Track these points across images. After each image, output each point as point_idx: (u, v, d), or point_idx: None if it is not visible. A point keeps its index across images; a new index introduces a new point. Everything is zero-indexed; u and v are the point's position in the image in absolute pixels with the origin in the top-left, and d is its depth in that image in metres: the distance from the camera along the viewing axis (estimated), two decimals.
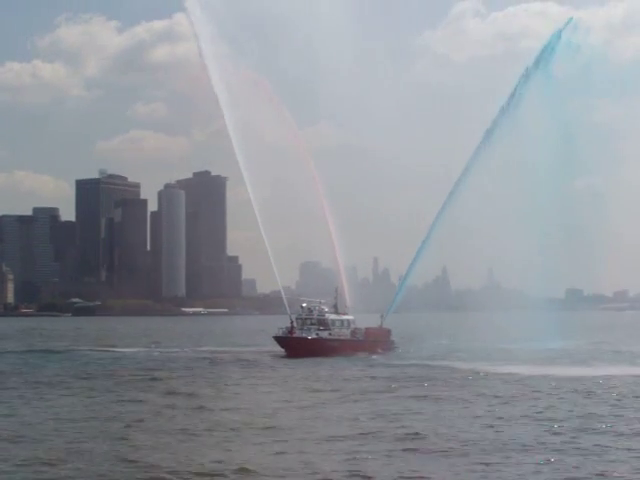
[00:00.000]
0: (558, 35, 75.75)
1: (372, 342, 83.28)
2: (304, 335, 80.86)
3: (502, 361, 66.44)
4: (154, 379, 56.23)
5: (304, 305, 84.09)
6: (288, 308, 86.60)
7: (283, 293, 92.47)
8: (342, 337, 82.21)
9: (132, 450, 30.74)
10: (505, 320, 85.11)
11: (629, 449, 30.58)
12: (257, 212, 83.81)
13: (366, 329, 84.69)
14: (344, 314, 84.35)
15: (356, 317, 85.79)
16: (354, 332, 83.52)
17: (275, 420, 37.55)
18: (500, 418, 37.79)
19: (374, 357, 76.88)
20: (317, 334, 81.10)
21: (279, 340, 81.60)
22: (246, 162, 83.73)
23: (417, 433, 33.61)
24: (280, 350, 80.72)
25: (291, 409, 41.66)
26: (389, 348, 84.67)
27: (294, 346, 79.65)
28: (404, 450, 30.36)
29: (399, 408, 41.24)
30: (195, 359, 75.10)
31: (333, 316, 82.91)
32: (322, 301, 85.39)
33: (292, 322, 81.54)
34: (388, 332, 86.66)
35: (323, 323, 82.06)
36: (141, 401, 44.84)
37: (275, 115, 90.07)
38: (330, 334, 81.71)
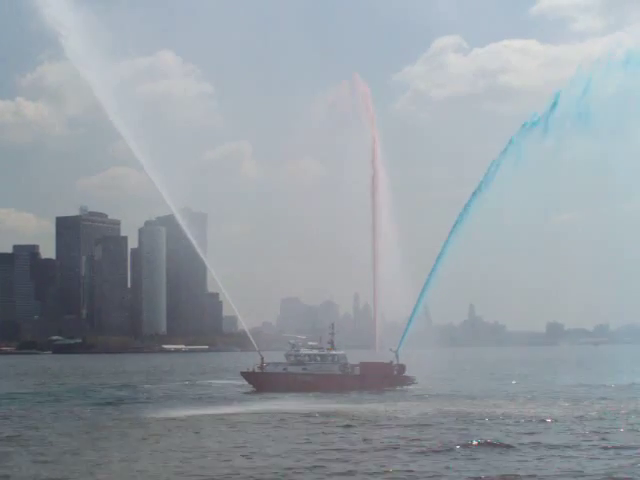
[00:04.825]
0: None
1: (367, 377, 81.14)
2: (271, 370, 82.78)
3: None
4: None
5: (291, 342, 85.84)
6: (256, 345, 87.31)
7: (249, 333, 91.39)
8: (322, 372, 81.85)
9: None
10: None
11: None
12: (199, 250, 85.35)
13: (361, 364, 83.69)
14: (333, 349, 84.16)
15: (382, 354, 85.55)
16: (344, 367, 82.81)
17: None
18: None
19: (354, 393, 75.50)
20: (285, 369, 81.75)
21: (245, 376, 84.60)
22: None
23: None
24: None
25: None
26: (396, 384, 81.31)
27: (259, 382, 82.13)
28: None
29: None
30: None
31: (308, 351, 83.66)
32: (302, 337, 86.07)
33: (262, 358, 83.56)
34: (396, 368, 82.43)
35: (297, 359, 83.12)
36: None
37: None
38: (304, 369, 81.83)
